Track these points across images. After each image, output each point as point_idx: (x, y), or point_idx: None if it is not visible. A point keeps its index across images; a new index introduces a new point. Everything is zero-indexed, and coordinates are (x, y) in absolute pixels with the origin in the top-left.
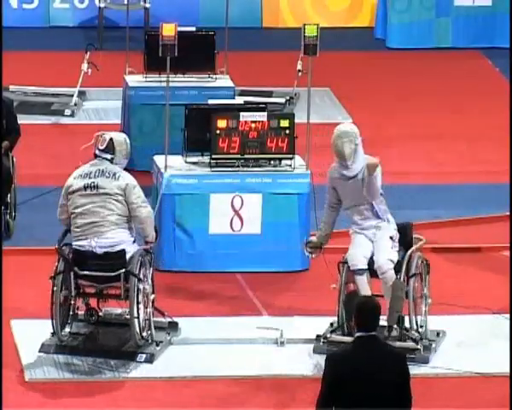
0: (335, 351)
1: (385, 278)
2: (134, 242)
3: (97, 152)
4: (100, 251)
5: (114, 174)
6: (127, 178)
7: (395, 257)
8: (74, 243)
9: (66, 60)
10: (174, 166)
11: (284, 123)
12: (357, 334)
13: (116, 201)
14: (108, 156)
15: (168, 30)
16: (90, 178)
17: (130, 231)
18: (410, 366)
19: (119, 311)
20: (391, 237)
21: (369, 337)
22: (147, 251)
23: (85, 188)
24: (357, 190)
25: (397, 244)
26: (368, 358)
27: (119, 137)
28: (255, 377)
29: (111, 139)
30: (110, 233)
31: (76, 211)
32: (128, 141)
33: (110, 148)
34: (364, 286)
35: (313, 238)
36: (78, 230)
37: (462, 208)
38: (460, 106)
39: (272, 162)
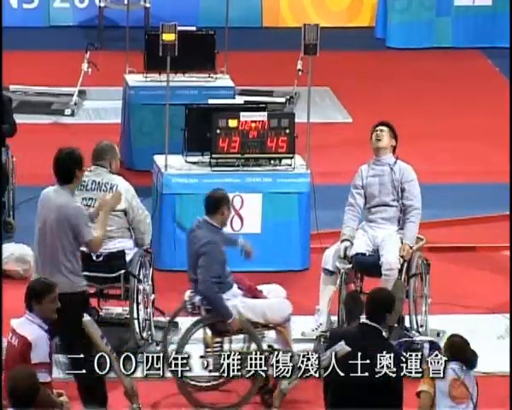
0: (338, 329)
1: (389, 275)
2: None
3: (93, 161)
4: (100, 258)
5: (111, 187)
6: (123, 191)
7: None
8: None
9: (66, 59)
10: (174, 166)
11: (284, 123)
12: (363, 320)
13: (114, 216)
14: (105, 165)
15: (168, 36)
16: (86, 190)
17: (130, 238)
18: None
19: (119, 310)
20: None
21: (373, 328)
22: (146, 251)
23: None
24: (388, 187)
25: None
26: (365, 347)
27: (109, 146)
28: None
29: (104, 147)
30: (111, 244)
31: None
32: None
33: (104, 157)
34: (324, 287)
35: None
36: None
37: (462, 208)
38: (460, 106)
39: (272, 162)
